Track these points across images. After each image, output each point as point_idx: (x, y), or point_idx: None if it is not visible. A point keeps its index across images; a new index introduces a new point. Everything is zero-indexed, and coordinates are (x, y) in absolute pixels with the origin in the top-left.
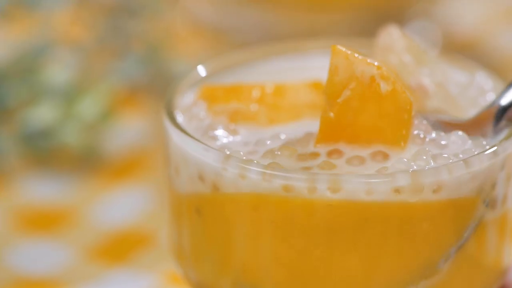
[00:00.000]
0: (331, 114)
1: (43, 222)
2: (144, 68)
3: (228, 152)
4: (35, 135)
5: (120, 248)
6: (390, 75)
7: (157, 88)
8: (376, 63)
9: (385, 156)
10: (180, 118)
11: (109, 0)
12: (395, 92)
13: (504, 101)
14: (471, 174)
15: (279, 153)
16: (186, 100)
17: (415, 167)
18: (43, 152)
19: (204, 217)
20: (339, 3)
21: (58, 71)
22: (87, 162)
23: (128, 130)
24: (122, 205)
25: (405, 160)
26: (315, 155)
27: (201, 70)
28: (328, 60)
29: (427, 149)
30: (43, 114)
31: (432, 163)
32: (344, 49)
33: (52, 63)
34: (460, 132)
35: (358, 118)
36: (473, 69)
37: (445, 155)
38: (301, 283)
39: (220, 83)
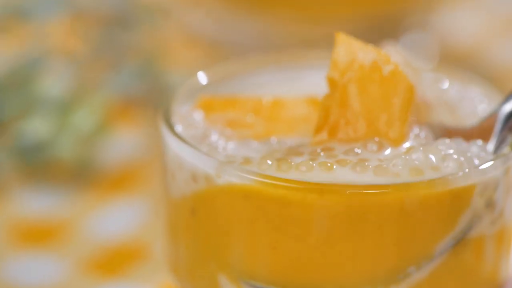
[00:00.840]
0: (333, 96)
1: (38, 235)
2: (139, 80)
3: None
4: (30, 147)
5: (115, 261)
6: (391, 59)
7: (152, 100)
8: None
9: (381, 146)
10: (177, 125)
11: (104, 12)
12: (396, 75)
13: (508, 108)
14: (472, 171)
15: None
16: (183, 109)
17: (413, 158)
18: (38, 164)
19: (198, 215)
20: (335, 14)
21: (53, 83)
22: (82, 175)
23: (123, 142)
24: (117, 218)
25: (403, 151)
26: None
27: (198, 80)
28: (323, 72)
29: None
30: (37, 126)
31: (432, 157)
32: (347, 37)
33: (47, 75)
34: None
35: (359, 99)
36: (471, 80)
37: (448, 151)
38: (298, 272)
39: (216, 93)
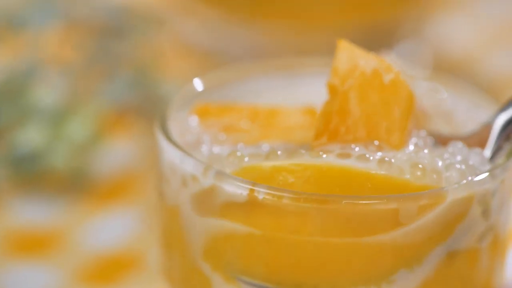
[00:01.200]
0: (333, 103)
1: (31, 244)
2: (133, 90)
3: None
4: (24, 157)
5: (110, 271)
6: (392, 68)
7: (145, 110)
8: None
9: (381, 149)
10: (172, 131)
11: (98, 22)
12: (397, 83)
13: (503, 117)
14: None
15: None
16: (179, 115)
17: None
18: (32, 174)
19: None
20: (328, 24)
21: (47, 93)
22: (76, 185)
23: (117, 152)
24: (111, 228)
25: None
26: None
27: (195, 86)
28: (318, 80)
29: (426, 151)
30: (31, 136)
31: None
32: (349, 44)
33: (41, 85)
34: (460, 144)
35: (359, 106)
36: (465, 89)
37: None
38: (293, 270)
39: (212, 100)
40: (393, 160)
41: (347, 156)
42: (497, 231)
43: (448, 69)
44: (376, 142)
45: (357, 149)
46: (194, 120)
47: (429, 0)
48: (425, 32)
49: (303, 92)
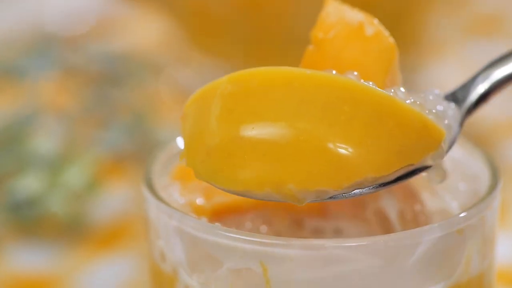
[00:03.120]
0: (316, 51)
1: None
2: (130, 137)
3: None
4: (21, 204)
5: None
6: (376, 23)
7: (142, 157)
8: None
9: None
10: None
11: (95, 70)
12: (380, 35)
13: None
14: None
15: None
16: (162, 180)
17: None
18: (29, 221)
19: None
20: None
21: (44, 140)
22: (73, 231)
23: (114, 199)
24: (107, 274)
25: None
26: None
27: (177, 144)
28: None
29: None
30: (29, 183)
31: None
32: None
33: (39, 132)
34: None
35: (341, 54)
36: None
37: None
38: None
39: None
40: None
41: None
42: (481, 266)
43: None
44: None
45: None
46: (176, 186)
47: (419, 49)
48: (414, 81)
49: None
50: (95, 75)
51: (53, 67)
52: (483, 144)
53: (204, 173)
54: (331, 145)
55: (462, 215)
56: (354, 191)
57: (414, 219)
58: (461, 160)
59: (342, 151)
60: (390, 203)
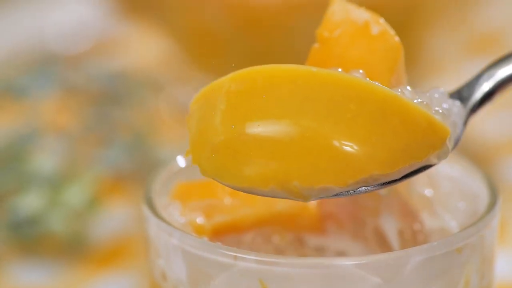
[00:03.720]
0: (322, 49)
1: None
2: (130, 155)
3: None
4: (22, 222)
5: None
6: (382, 22)
7: (143, 175)
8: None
9: None
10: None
11: (95, 89)
12: (386, 34)
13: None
14: None
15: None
16: (162, 200)
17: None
18: (30, 239)
19: None
20: None
21: (45, 159)
22: (74, 250)
23: (114, 218)
24: None
25: None
26: None
27: (177, 163)
28: None
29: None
30: (29, 202)
31: None
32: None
33: (39, 151)
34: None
35: (347, 52)
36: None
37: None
38: None
39: (194, 177)
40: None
41: None
42: (480, 285)
43: None
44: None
45: None
46: (176, 205)
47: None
48: None
49: None
50: (95, 94)
51: (54, 85)
52: (481, 162)
53: (210, 170)
54: (336, 143)
55: (460, 233)
56: (359, 189)
57: (413, 238)
58: (460, 179)
59: (347, 148)
60: (389, 221)
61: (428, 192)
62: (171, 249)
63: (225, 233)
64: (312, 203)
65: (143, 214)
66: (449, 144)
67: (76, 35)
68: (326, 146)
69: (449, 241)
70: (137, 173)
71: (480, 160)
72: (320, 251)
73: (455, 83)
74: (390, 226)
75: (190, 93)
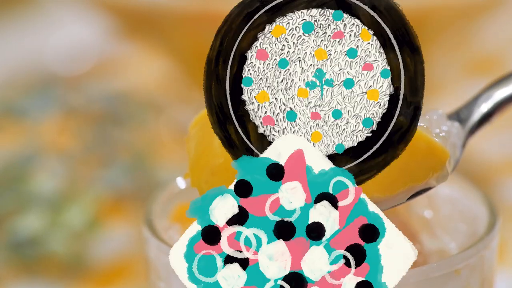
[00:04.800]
0: None
1: None
2: (130, 176)
3: None
4: (22, 243)
5: None
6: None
7: (143, 196)
8: None
9: None
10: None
11: (95, 109)
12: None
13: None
14: None
15: None
16: (162, 222)
17: None
18: (30, 260)
19: None
20: None
21: (45, 180)
22: (74, 270)
23: (115, 238)
24: None
25: None
26: None
27: (177, 184)
28: None
29: None
30: (30, 222)
31: None
32: None
33: (40, 172)
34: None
35: None
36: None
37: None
38: None
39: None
40: None
41: None
42: None
43: None
44: None
45: None
46: (176, 228)
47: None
48: None
49: None
50: (95, 114)
51: (54, 106)
52: (481, 183)
53: None
54: None
55: (459, 255)
56: None
57: None
58: (460, 200)
59: None
60: None
61: (427, 213)
62: (171, 271)
63: None
64: None
65: (143, 236)
66: (449, 167)
67: (76, 56)
68: None
69: (448, 263)
70: (137, 194)
71: (479, 181)
72: None
73: (454, 104)
74: None
75: (190, 114)
